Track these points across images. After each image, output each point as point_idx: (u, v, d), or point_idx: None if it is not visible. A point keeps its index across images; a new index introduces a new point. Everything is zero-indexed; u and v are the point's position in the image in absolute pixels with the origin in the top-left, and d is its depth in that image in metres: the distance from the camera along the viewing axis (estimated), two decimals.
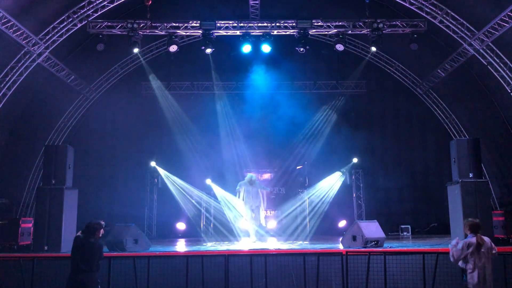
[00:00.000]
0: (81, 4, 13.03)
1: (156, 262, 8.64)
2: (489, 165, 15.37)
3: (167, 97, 16.86)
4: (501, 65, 12.85)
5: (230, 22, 13.51)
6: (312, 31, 13.64)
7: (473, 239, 5.95)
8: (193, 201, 15.85)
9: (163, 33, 13.47)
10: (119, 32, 13.12)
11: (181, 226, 16.18)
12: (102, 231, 6.30)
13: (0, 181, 14.35)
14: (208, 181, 15.82)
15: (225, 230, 15.02)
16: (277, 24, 13.40)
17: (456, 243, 6.07)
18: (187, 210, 15.85)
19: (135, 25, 12.80)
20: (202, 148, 16.35)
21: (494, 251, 6.10)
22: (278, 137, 16.50)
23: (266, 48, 13.67)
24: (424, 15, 13.19)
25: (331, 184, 15.98)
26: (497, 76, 12.97)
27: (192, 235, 15.59)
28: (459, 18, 13.07)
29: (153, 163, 16.24)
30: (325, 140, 16.62)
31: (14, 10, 11.68)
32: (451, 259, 6.08)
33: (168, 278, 8.53)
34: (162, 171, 16.30)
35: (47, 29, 12.97)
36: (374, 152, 17.20)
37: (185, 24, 13.27)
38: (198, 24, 13.17)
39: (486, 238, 6.07)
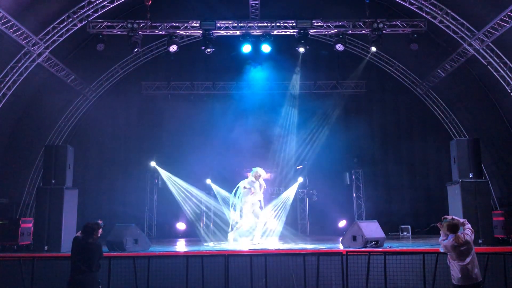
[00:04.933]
0: (81, 4, 13.02)
1: (156, 262, 8.65)
2: (489, 165, 15.37)
3: (167, 97, 16.87)
4: (501, 65, 12.84)
5: (230, 22, 13.51)
6: (312, 31, 13.65)
7: (453, 241, 6.00)
8: (194, 200, 15.85)
9: (163, 33, 13.48)
10: (119, 32, 13.13)
11: (181, 226, 16.19)
12: (100, 231, 6.31)
13: (0, 181, 14.37)
14: (208, 181, 15.83)
15: (225, 230, 15.01)
16: (277, 24, 13.40)
17: (443, 239, 6.15)
18: (187, 210, 15.85)
19: (135, 25, 12.80)
20: (202, 148, 16.34)
21: (471, 237, 6.08)
22: (278, 137, 16.51)
23: (266, 48, 13.67)
24: (424, 15, 13.20)
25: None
26: (497, 76, 12.97)
27: (192, 235, 15.58)
28: (459, 18, 13.07)
29: (153, 163, 16.24)
30: (325, 140, 16.62)
31: (14, 10, 11.68)
32: (442, 250, 6.21)
33: (168, 278, 8.53)
34: (162, 171, 16.30)
35: (47, 29, 12.96)
36: (374, 152, 17.20)
37: (185, 24, 13.28)
38: (198, 24, 13.17)
39: (463, 235, 6.08)
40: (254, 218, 12.26)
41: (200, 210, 15.71)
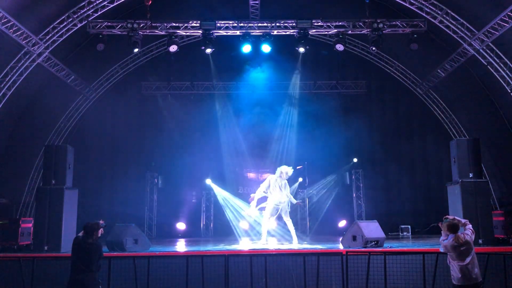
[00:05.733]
0: (81, 4, 13.03)
1: (156, 262, 8.64)
2: (489, 165, 15.36)
3: (167, 97, 16.88)
4: (501, 65, 12.85)
5: (230, 22, 13.51)
6: (312, 31, 13.64)
7: (453, 241, 5.99)
8: (194, 200, 15.86)
9: (163, 33, 13.47)
10: (119, 32, 13.12)
11: (181, 226, 16.19)
12: (101, 231, 6.29)
13: (0, 181, 14.37)
14: (208, 181, 15.83)
15: (225, 230, 15.02)
16: (277, 24, 13.39)
17: (443, 238, 6.15)
18: (187, 210, 15.86)
19: (135, 25, 12.79)
20: (202, 148, 16.35)
21: (471, 237, 6.08)
22: (278, 137, 16.51)
23: (266, 48, 13.67)
24: (424, 15, 13.19)
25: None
26: (497, 76, 12.97)
27: (192, 235, 15.59)
28: (459, 18, 13.07)
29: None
30: (325, 140, 16.57)
31: (14, 10, 11.68)
32: (442, 250, 6.21)
33: (168, 278, 8.53)
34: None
35: (47, 29, 12.97)
36: (374, 152, 17.19)
37: (185, 24, 13.27)
38: (198, 24, 13.16)
39: (464, 235, 6.08)
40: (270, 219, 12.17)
41: (200, 210, 15.71)
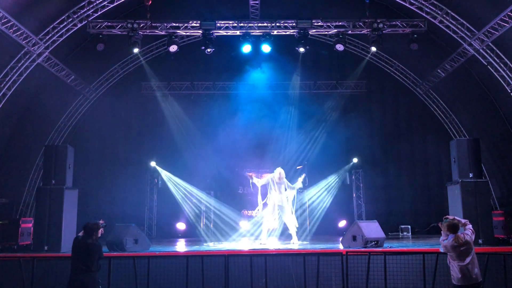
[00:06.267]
0: (81, 4, 13.03)
1: (156, 262, 8.65)
2: (489, 165, 15.37)
3: (167, 97, 16.88)
4: (501, 65, 12.84)
5: (230, 22, 13.51)
6: (312, 31, 13.64)
7: (452, 242, 5.99)
8: (194, 200, 15.85)
9: (163, 33, 13.47)
10: (119, 32, 13.12)
11: (181, 226, 16.19)
12: (101, 231, 6.30)
13: (0, 181, 14.37)
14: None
15: (225, 230, 15.01)
16: (277, 24, 13.40)
17: (443, 239, 6.15)
18: (187, 210, 15.86)
19: (135, 25, 12.80)
20: (202, 148, 16.35)
21: (471, 237, 6.07)
22: (278, 137, 16.52)
23: (266, 48, 13.67)
24: (424, 15, 13.20)
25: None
26: (497, 76, 12.97)
27: (192, 235, 15.59)
28: (459, 18, 13.07)
29: (153, 163, 16.26)
30: (325, 140, 16.62)
31: (14, 10, 11.68)
32: (442, 250, 6.21)
33: (168, 278, 8.53)
34: (162, 171, 16.31)
35: (47, 29, 12.97)
36: (374, 152, 17.19)
37: (185, 24, 13.28)
38: (198, 24, 13.17)
39: (464, 235, 6.08)
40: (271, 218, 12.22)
41: (200, 210, 15.71)
